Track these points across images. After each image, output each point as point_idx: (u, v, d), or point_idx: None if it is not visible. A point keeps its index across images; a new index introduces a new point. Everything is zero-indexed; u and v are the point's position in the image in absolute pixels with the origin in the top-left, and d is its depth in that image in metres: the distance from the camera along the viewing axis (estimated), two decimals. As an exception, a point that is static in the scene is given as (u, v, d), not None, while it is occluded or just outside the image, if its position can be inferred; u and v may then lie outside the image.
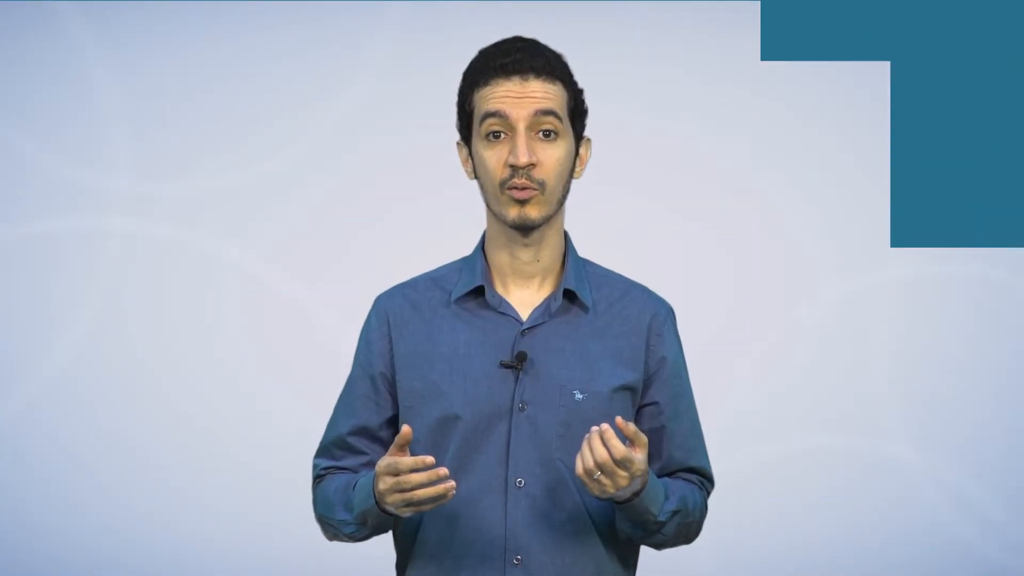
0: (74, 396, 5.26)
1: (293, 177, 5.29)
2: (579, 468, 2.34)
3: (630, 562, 2.61)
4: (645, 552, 2.65)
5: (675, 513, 2.50)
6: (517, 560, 2.50)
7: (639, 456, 2.35)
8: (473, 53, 2.58)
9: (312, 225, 5.29)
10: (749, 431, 5.25)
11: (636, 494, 2.41)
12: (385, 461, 2.36)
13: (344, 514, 2.51)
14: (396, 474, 2.34)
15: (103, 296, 5.27)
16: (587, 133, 2.59)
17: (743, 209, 5.30)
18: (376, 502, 2.41)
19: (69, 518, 5.24)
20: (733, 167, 5.29)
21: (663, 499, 2.47)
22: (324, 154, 5.28)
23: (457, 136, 2.59)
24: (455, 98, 2.58)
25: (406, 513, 2.39)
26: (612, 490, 2.36)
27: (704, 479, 2.64)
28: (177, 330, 5.27)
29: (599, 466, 2.33)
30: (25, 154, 5.26)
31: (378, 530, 2.50)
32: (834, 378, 5.29)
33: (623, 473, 2.34)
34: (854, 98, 5.30)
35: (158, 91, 5.29)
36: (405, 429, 2.36)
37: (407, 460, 2.34)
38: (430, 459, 2.33)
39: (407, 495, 2.34)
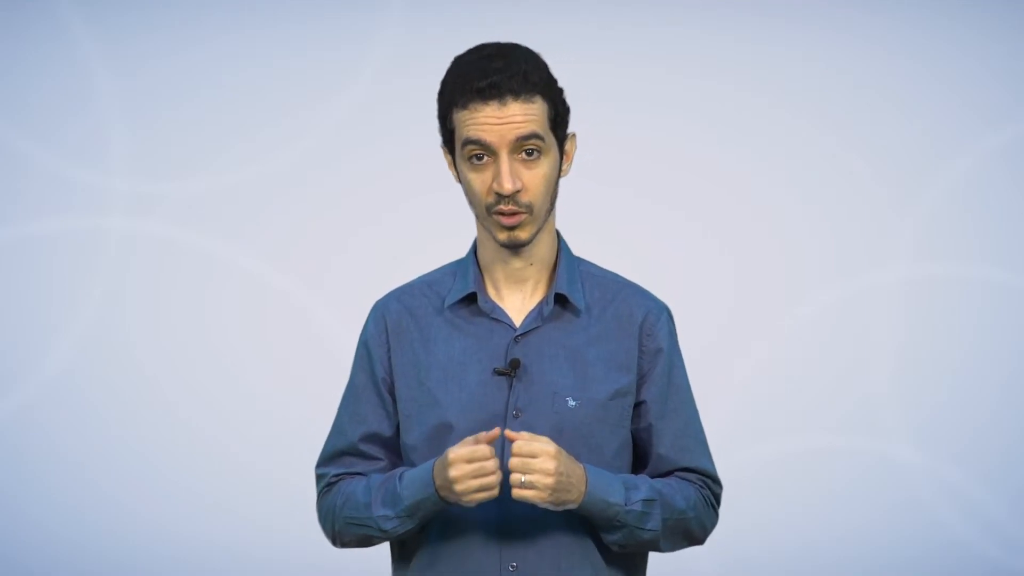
0: (74, 396, 5.26)
1: (293, 177, 5.29)
2: (514, 491, 2.39)
3: (631, 569, 2.58)
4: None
5: (650, 502, 2.47)
6: (513, 567, 2.49)
7: (542, 446, 2.39)
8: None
9: (312, 225, 5.29)
10: (749, 431, 5.25)
11: (581, 493, 2.41)
12: (463, 450, 2.38)
13: (385, 509, 2.49)
14: (473, 461, 2.37)
15: (103, 296, 5.27)
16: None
17: (743, 209, 5.30)
18: (436, 490, 2.42)
19: (68, 517, 5.24)
20: (733, 167, 5.30)
21: (622, 488, 2.45)
22: (324, 154, 5.28)
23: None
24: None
25: (478, 499, 2.39)
26: (547, 481, 2.38)
27: (706, 479, 2.59)
28: (176, 330, 5.27)
29: (515, 468, 2.38)
30: (25, 154, 5.27)
31: (423, 522, 2.49)
32: (834, 378, 5.29)
33: (537, 461, 2.37)
34: (855, 97, 5.30)
35: (158, 91, 5.29)
36: (495, 431, 2.40)
37: (487, 448, 2.38)
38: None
39: (486, 479, 2.37)
